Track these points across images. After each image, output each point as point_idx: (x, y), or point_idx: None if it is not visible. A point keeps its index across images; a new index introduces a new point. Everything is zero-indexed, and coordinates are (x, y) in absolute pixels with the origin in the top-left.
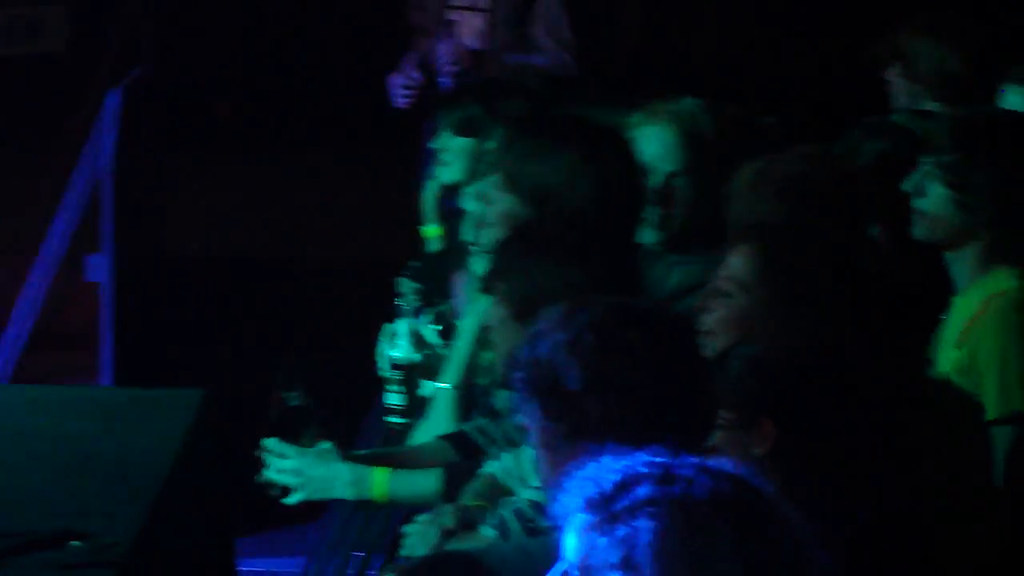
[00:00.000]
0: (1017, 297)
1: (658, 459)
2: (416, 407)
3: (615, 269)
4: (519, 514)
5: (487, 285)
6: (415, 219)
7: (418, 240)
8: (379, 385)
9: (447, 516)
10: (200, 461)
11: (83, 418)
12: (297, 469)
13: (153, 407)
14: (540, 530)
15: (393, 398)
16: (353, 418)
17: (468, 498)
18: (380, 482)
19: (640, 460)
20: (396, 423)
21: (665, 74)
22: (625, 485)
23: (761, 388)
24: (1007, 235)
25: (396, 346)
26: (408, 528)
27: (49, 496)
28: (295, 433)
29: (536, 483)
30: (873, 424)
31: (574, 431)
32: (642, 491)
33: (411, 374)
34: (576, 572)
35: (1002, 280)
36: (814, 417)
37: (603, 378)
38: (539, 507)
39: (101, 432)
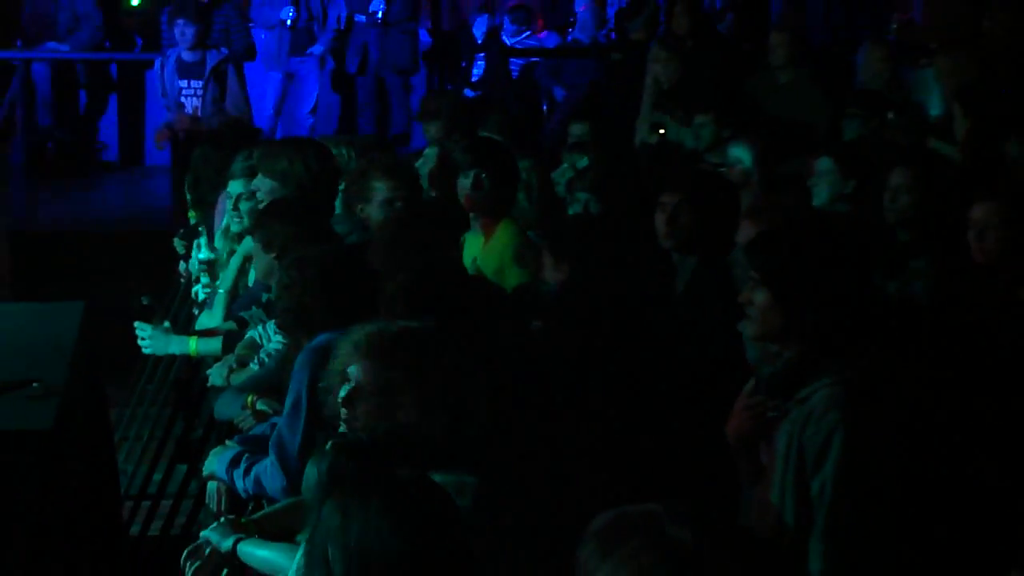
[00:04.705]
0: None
1: None
2: (213, 286)
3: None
4: (268, 353)
5: (251, 231)
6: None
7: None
8: None
9: (232, 359)
10: (86, 346)
11: None
12: (151, 335)
13: (48, 313)
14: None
15: (204, 279)
16: None
17: (240, 349)
18: (192, 342)
19: None
20: (204, 291)
21: None
22: None
23: None
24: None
25: (202, 251)
26: (210, 371)
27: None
28: (148, 319)
29: (274, 341)
30: None
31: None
32: None
33: (212, 266)
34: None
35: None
36: None
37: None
38: (278, 352)
39: (14, 329)
